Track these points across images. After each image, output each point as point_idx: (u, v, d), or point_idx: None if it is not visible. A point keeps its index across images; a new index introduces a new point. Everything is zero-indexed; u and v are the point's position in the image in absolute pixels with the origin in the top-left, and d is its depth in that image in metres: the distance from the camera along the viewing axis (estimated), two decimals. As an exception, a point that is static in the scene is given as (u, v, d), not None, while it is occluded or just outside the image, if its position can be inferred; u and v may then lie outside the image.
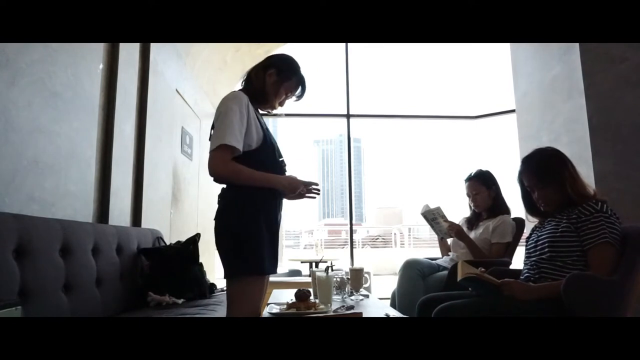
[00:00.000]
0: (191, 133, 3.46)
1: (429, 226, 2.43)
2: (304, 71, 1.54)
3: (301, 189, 1.42)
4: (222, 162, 1.31)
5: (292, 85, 1.51)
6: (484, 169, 2.39)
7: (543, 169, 1.45)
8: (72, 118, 1.70)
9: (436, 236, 2.51)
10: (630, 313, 1.25)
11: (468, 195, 2.39)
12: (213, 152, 1.32)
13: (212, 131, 1.38)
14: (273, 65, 1.48)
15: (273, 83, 1.47)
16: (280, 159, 1.47)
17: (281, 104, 1.53)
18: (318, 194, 1.52)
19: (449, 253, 2.45)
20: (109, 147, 2.02)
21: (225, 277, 1.33)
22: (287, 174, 1.47)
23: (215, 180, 1.37)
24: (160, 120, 2.68)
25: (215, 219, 1.37)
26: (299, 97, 1.56)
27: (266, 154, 1.40)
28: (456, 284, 1.45)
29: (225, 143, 1.29)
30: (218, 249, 1.36)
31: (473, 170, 2.40)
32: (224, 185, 1.40)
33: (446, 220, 2.32)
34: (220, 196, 1.40)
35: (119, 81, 2.09)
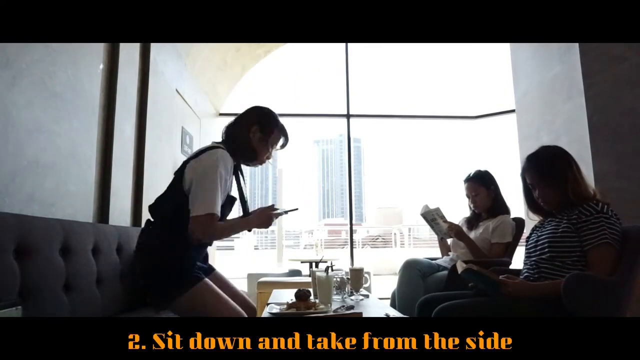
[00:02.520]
0: (191, 133, 3.46)
1: (428, 226, 2.43)
2: (280, 119, 1.58)
3: (272, 222, 1.50)
4: (212, 228, 1.37)
5: (276, 138, 1.55)
6: (482, 169, 2.39)
7: (546, 168, 1.45)
8: (72, 118, 1.70)
9: (436, 236, 2.51)
10: (629, 313, 1.24)
11: (467, 196, 2.39)
12: (201, 218, 1.34)
13: (193, 186, 1.38)
14: (255, 122, 1.51)
15: (259, 140, 1.51)
16: (244, 203, 1.57)
17: (268, 158, 1.57)
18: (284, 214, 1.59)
19: (449, 253, 2.45)
20: (109, 147, 2.02)
21: (163, 308, 1.40)
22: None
23: (202, 241, 1.42)
24: (160, 120, 2.68)
25: (139, 254, 1.44)
26: (283, 146, 1.60)
27: (225, 210, 1.46)
28: (456, 284, 1.45)
29: (214, 212, 1.34)
30: (144, 283, 1.41)
31: (472, 171, 2.40)
32: (151, 219, 1.47)
33: (445, 221, 2.32)
34: (145, 233, 1.46)
35: (119, 81, 2.09)
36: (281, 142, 1.57)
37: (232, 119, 1.57)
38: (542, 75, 3.04)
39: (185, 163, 1.44)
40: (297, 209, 1.62)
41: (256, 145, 1.50)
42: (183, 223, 1.35)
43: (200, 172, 1.36)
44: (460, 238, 2.28)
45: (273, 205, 1.56)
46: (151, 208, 1.49)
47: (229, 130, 1.53)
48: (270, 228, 1.69)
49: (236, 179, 1.53)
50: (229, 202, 1.48)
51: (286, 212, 1.57)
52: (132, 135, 2.30)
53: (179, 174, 1.43)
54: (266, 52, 4.51)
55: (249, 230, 1.55)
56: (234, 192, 1.57)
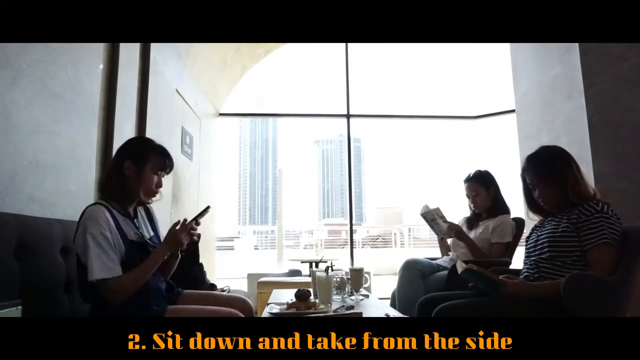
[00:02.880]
0: (191, 133, 3.46)
1: (428, 226, 2.44)
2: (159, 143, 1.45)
3: (185, 238, 1.35)
4: (118, 290, 1.23)
5: (156, 162, 1.39)
6: (482, 169, 2.39)
7: (546, 168, 1.45)
8: (72, 118, 1.70)
9: (436, 236, 2.51)
10: (629, 313, 1.24)
11: (467, 196, 2.39)
12: (102, 286, 1.21)
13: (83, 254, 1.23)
14: (125, 157, 1.36)
15: (136, 174, 1.35)
16: (151, 247, 1.39)
17: (159, 186, 1.42)
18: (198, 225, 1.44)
19: (449, 253, 2.45)
20: (109, 147, 2.02)
21: None
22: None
23: (120, 301, 1.25)
24: (160, 120, 2.68)
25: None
26: (169, 167, 1.45)
27: (133, 258, 1.30)
28: (456, 284, 1.45)
29: (105, 278, 1.20)
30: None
31: (472, 171, 2.40)
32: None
33: (445, 221, 2.32)
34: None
35: (119, 81, 2.09)
36: (165, 162, 1.42)
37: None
38: (542, 75, 3.04)
39: None
40: (208, 208, 1.48)
41: (135, 181, 1.35)
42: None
43: (79, 242, 1.24)
44: (460, 238, 2.28)
45: (185, 220, 1.38)
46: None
47: (102, 178, 1.41)
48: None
49: (132, 223, 1.38)
50: (135, 248, 1.32)
51: (197, 218, 1.41)
52: (132, 135, 2.29)
53: None
54: (266, 52, 4.51)
55: (172, 256, 1.42)
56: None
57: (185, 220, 1.38)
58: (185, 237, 1.36)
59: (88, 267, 1.20)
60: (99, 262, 1.20)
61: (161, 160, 1.42)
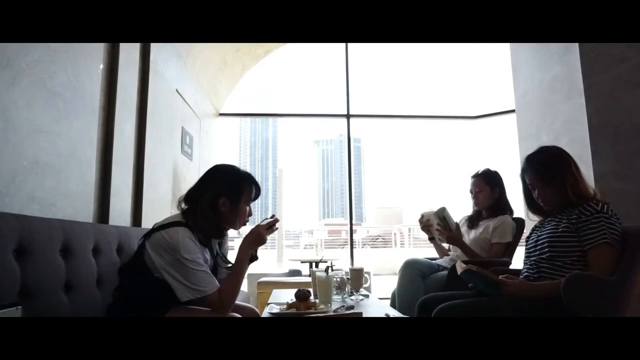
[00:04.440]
0: (191, 133, 3.46)
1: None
2: (245, 171, 1.46)
3: (267, 234, 1.41)
4: (225, 302, 1.32)
5: (248, 195, 1.42)
6: (492, 169, 2.40)
7: (546, 168, 1.45)
8: (72, 118, 1.70)
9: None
10: (630, 313, 1.24)
11: (471, 191, 2.40)
12: (210, 299, 1.30)
13: (168, 275, 1.28)
14: (219, 194, 1.36)
15: (231, 211, 1.38)
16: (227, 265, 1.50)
17: (250, 215, 1.46)
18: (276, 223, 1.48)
19: (449, 253, 2.45)
20: (109, 147, 2.02)
21: None
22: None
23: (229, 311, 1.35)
24: (161, 120, 2.68)
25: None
26: (257, 196, 1.48)
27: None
28: (456, 284, 1.45)
29: (213, 291, 1.29)
30: None
31: (481, 168, 2.40)
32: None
33: (439, 224, 2.30)
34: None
35: (119, 81, 2.09)
36: (254, 194, 1.45)
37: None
38: (542, 75, 3.04)
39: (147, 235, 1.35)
40: (275, 218, 1.48)
41: (231, 216, 1.38)
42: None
43: (170, 262, 1.27)
44: (453, 243, 2.29)
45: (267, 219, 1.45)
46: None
47: (191, 210, 1.38)
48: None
49: (210, 251, 1.44)
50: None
51: (271, 222, 1.45)
52: (132, 135, 2.29)
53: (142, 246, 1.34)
54: (266, 52, 4.51)
55: (252, 258, 1.44)
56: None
57: (267, 219, 1.43)
58: (267, 234, 1.41)
59: (192, 282, 1.25)
60: (203, 278, 1.27)
61: (253, 191, 1.45)
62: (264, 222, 1.44)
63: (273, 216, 1.48)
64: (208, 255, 1.41)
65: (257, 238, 1.41)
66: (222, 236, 1.47)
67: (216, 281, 1.31)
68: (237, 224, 1.42)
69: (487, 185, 2.33)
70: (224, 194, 1.36)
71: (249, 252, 1.40)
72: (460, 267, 1.40)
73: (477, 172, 2.39)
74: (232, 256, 1.50)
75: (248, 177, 1.44)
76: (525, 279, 1.43)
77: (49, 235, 1.35)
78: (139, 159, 2.39)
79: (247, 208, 1.44)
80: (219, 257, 1.50)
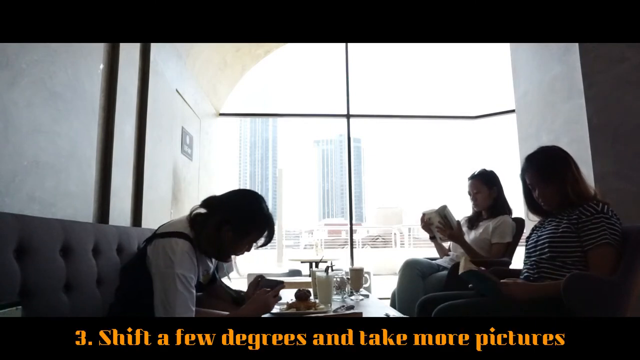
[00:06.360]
0: (191, 133, 3.46)
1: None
2: (264, 207, 1.36)
3: (273, 304, 1.36)
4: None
5: (254, 238, 1.35)
6: (488, 169, 2.40)
7: (546, 168, 1.45)
8: (72, 118, 1.70)
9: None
10: (630, 313, 1.25)
11: (469, 193, 2.40)
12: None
13: (156, 285, 1.22)
14: (227, 221, 1.29)
15: (230, 241, 1.31)
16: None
17: (247, 251, 1.39)
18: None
19: (449, 253, 2.45)
20: (109, 147, 2.02)
21: None
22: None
23: None
24: (161, 120, 2.68)
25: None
26: (266, 243, 1.39)
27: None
28: (456, 284, 1.45)
29: (182, 316, 1.20)
30: None
31: (477, 169, 2.41)
32: None
33: (440, 222, 2.30)
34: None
35: (119, 81, 2.09)
36: (263, 241, 1.37)
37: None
38: (542, 75, 3.04)
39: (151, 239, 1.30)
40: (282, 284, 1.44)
41: (229, 246, 1.33)
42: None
43: (161, 272, 1.22)
44: (455, 240, 2.29)
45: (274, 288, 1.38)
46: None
47: (200, 223, 1.30)
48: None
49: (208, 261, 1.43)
50: (198, 287, 1.33)
51: (278, 290, 1.40)
52: (132, 135, 2.29)
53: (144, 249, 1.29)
54: (266, 52, 4.51)
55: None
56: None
57: (273, 288, 1.39)
58: (273, 303, 1.36)
59: (169, 301, 1.18)
60: (182, 301, 1.18)
61: (263, 239, 1.37)
62: (271, 291, 1.37)
63: (281, 282, 1.44)
64: (204, 268, 1.41)
65: (264, 309, 1.35)
66: (220, 260, 1.42)
67: (193, 309, 1.23)
68: (230, 256, 1.39)
69: (485, 185, 2.33)
70: (233, 224, 1.30)
71: (250, 315, 1.32)
72: (463, 266, 1.40)
73: (474, 174, 2.39)
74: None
75: (266, 221, 1.35)
76: (526, 279, 1.43)
77: (49, 235, 1.35)
78: (139, 159, 2.39)
79: (245, 249, 1.38)
80: (215, 272, 1.52)
